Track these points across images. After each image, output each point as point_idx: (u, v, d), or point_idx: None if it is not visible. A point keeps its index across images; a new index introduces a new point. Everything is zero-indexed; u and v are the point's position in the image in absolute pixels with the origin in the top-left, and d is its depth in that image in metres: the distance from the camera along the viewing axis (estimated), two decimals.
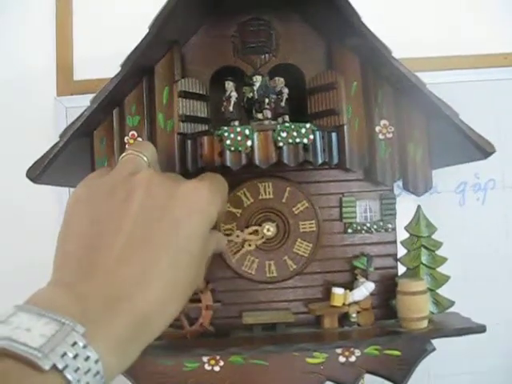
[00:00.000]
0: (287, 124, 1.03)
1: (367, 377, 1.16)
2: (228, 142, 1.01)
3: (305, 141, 1.02)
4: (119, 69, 1.07)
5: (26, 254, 1.55)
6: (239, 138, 1.01)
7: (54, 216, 1.55)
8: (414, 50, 1.50)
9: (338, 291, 1.12)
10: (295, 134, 1.02)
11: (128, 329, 0.57)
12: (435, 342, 1.14)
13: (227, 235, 1.14)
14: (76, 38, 1.62)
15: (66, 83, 1.59)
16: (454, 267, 1.17)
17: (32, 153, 1.08)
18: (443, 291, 1.18)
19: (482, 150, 1.08)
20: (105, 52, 1.54)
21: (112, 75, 1.07)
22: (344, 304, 1.13)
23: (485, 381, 1.55)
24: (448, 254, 1.18)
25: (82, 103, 1.11)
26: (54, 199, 1.54)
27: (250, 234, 1.16)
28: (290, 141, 1.01)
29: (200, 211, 0.70)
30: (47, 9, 1.61)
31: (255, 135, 1.02)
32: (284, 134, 1.01)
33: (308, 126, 1.03)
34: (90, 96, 1.09)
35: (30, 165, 1.08)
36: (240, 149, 1.01)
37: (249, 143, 1.01)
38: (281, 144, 1.01)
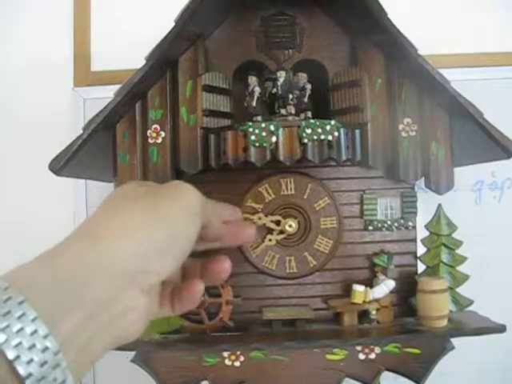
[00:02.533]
0: (312, 121, 1.03)
1: (384, 373, 1.16)
2: (253, 137, 1.01)
3: (329, 138, 1.02)
4: (138, 61, 1.06)
5: (40, 247, 1.55)
6: (264, 133, 1.01)
7: (70, 204, 1.55)
8: (438, 47, 1.49)
9: (358, 288, 1.12)
10: (320, 130, 1.01)
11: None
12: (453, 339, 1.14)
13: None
14: (94, 29, 1.61)
15: (84, 74, 1.59)
16: (471, 265, 1.18)
17: (50, 143, 1.07)
18: (461, 290, 1.18)
19: (506, 149, 1.08)
20: (122, 43, 1.54)
21: (130, 66, 1.07)
22: (364, 301, 1.13)
23: (496, 379, 1.55)
24: (464, 252, 1.19)
25: (100, 94, 1.12)
26: (69, 188, 1.53)
27: (272, 222, 1.16)
28: (315, 137, 1.01)
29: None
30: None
31: (280, 131, 1.02)
32: (309, 131, 1.01)
33: (333, 122, 1.03)
34: (108, 87, 1.09)
35: (49, 156, 1.07)
36: (265, 145, 1.01)
37: (273, 139, 1.01)
38: (305, 140, 1.01)
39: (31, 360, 0.42)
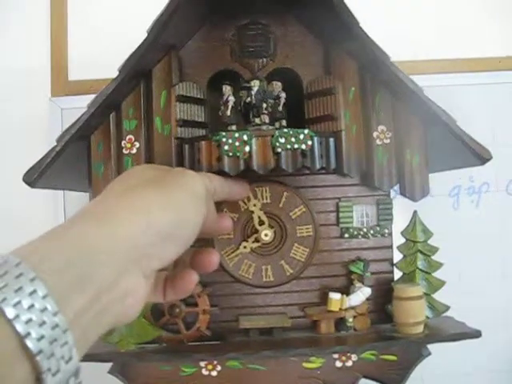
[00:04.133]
0: (285, 130, 1.03)
1: (362, 381, 1.16)
2: (226, 147, 1.01)
3: (303, 147, 1.02)
4: (115, 71, 1.06)
5: None
6: (237, 143, 1.01)
7: (49, 217, 1.54)
8: (411, 53, 1.50)
9: (334, 296, 1.13)
10: (293, 139, 1.02)
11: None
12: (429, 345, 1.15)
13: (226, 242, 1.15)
14: (70, 39, 1.61)
15: (61, 84, 1.58)
16: (449, 270, 1.18)
17: (27, 153, 1.07)
18: (438, 294, 1.19)
19: (479, 156, 1.08)
20: (100, 52, 1.54)
21: (107, 76, 1.07)
22: (341, 309, 1.13)
23: (476, 382, 1.56)
24: (442, 257, 1.19)
25: (77, 104, 1.12)
26: (47, 199, 1.53)
27: (254, 242, 1.16)
28: (289, 146, 1.01)
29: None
30: (42, 9, 1.60)
31: (253, 141, 1.02)
32: (282, 140, 1.01)
33: (306, 131, 1.03)
34: (85, 97, 1.09)
35: (26, 166, 1.07)
36: (238, 154, 1.01)
37: (247, 149, 1.01)
38: (279, 150, 1.01)
39: (42, 337, 0.42)
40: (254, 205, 1.15)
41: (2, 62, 1.59)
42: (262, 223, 1.15)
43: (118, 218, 0.55)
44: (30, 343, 0.41)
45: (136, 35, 1.04)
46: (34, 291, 0.42)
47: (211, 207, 0.73)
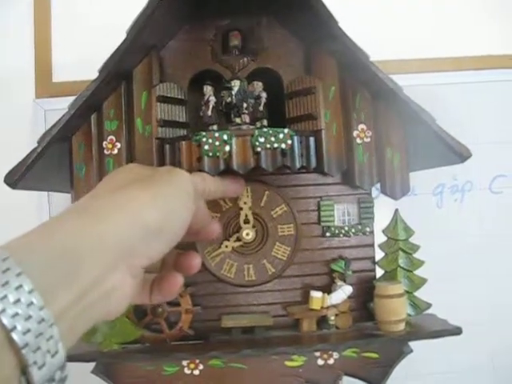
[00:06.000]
0: (265, 129, 1.03)
1: (345, 379, 1.17)
2: (206, 147, 1.01)
3: (283, 146, 1.02)
4: (97, 73, 1.07)
5: None
6: (217, 143, 1.01)
7: (32, 218, 1.54)
8: (400, 52, 1.51)
9: (316, 295, 1.13)
10: (273, 139, 1.02)
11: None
12: (412, 342, 1.15)
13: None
14: (54, 40, 1.61)
15: (45, 85, 1.58)
16: (432, 268, 1.19)
17: (10, 155, 1.07)
18: (420, 292, 1.19)
19: (459, 154, 1.09)
20: (84, 54, 1.54)
21: (91, 77, 1.07)
22: (322, 307, 1.14)
23: (461, 380, 1.57)
24: (425, 255, 1.20)
25: (61, 106, 1.11)
26: (31, 201, 1.53)
27: (235, 241, 1.17)
28: (268, 146, 1.02)
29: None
30: (25, 10, 1.60)
31: (233, 140, 1.02)
32: (262, 140, 1.02)
33: (286, 131, 1.03)
34: (69, 98, 1.08)
35: (8, 169, 1.07)
36: (218, 154, 1.01)
37: (227, 148, 1.01)
38: (259, 149, 1.02)
39: (28, 330, 0.42)
40: (245, 202, 1.16)
41: None
42: (246, 222, 1.16)
43: (106, 215, 0.55)
44: (15, 336, 0.41)
45: (121, 37, 1.05)
46: (20, 286, 0.43)
47: (201, 205, 0.74)
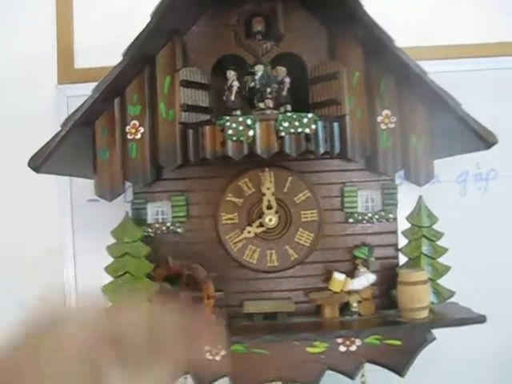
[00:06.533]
0: (289, 114, 1.03)
1: (367, 366, 1.16)
2: (230, 131, 1.01)
3: (307, 130, 1.02)
4: (121, 58, 1.07)
5: (25, 242, 1.56)
6: (241, 127, 1.01)
7: (54, 203, 1.55)
8: (415, 39, 1.49)
9: (338, 277, 1.13)
10: (297, 123, 1.01)
11: None
12: (434, 330, 1.15)
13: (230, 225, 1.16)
14: (77, 26, 1.61)
15: (67, 71, 1.58)
16: (455, 257, 1.18)
17: (33, 141, 1.07)
18: (443, 281, 1.19)
19: (485, 140, 1.08)
20: (106, 39, 1.53)
21: (114, 63, 1.07)
22: (342, 290, 1.13)
23: (480, 369, 1.55)
24: (449, 243, 1.19)
25: (83, 92, 1.11)
26: (54, 187, 1.53)
27: (258, 226, 1.17)
28: (292, 130, 1.01)
29: None
30: None
31: (257, 125, 1.02)
32: (286, 124, 1.01)
33: (310, 115, 1.03)
34: (92, 84, 1.08)
35: (32, 154, 1.07)
36: (242, 139, 1.01)
37: (251, 133, 1.01)
38: (283, 134, 1.01)
39: None
40: (268, 188, 1.15)
41: (9, 49, 1.59)
42: (269, 207, 1.15)
43: None
44: None
45: (143, 22, 1.04)
46: None
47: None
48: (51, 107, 1.55)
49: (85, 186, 1.38)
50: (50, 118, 1.49)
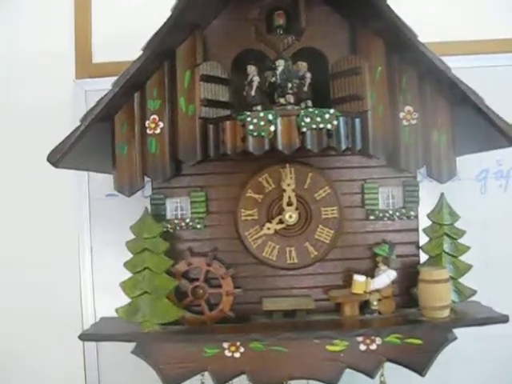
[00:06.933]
0: (311, 109, 1.02)
1: (387, 365, 1.15)
2: (251, 127, 1.00)
3: (329, 126, 1.01)
4: (140, 52, 1.06)
5: (43, 237, 1.56)
6: (262, 123, 1.00)
7: (72, 198, 1.55)
8: (436, 34, 1.47)
9: (359, 279, 1.12)
10: (319, 119, 1.00)
11: None
12: (456, 329, 1.13)
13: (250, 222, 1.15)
14: (95, 21, 1.61)
15: (85, 66, 1.58)
16: (475, 256, 1.16)
17: (51, 135, 1.07)
18: (464, 280, 1.17)
19: (508, 137, 1.06)
20: (124, 34, 1.54)
21: (131, 58, 1.07)
22: (365, 292, 1.12)
23: (503, 369, 1.54)
24: (469, 242, 1.17)
25: (101, 86, 1.11)
26: (72, 182, 1.53)
27: (278, 223, 1.15)
28: (314, 126, 1.00)
29: None
30: None
31: (278, 120, 1.01)
32: (308, 120, 1.00)
33: (332, 111, 1.02)
34: (109, 79, 1.08)
35: (50, 148, 1.07)
36: (263, 134, 1.00)
37: (272, 128, 1.00)
38: (304, 129, 1.00)
39: None
40: (288, 184, 1.14)
41: (27, 44, 1.60)
42: (290, 204, 1.14)
43: None
44: None
45: (161, 17, 1.03)
46: None
47: None
48: (69, 102, 1.55)
49: (103, 181, 1.38)
50: (68, 112, 1.50)
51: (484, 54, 1.57)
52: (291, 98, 1.09)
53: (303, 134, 1.01)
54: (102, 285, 1.54)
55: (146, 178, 1.15)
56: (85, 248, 1.55)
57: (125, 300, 1.10)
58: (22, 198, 1.58)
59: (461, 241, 1.18)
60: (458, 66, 1.11)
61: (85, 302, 1.56)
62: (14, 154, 1.58)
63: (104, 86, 1.09)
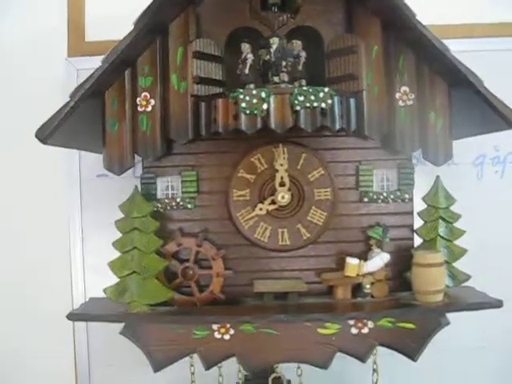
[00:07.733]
0: (305, 88, 1.00)
1: (379, 349, 1.14)
2: (243, 104, 0.98)
3: (323, 105, 0.99)
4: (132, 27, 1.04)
5: (33, 217, 1.55)
6: (255, 100, 0.98)
7: (62, 178, 1.54)
8: (435, 18, 1.45)
9: (352, 261, 1.10)
10: (313, 97, 0.98)
11: None
12: (448, 315, 1.12)
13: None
14: None
15: (78, 44, 1.56)
16: (470, 240, 1.15)
17: (42, 114, 1.05)
18: (459, 265, 1.16)
19: (507, 119, 1.04)
20: (117, 12, 1.50)
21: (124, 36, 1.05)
22: (358, 274, 1.10)
23: (495, 355, 1.54)
24: (464, 226, 1.16)
25: (94, 65, 1.09)
26: (63, 162, 1.52)
27: (270, 204, 1.14)
28: (308, 105, 0.98)
29: None
30: None
31: (271, 98, 0.98)
32: (301, 98, 0.98)
33: (326, 90, 1.00)
34: (101, 57, 1.06)
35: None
36: (255, 112, 0.98)
37: (265, 106, 0.98)
38: (298, 108, 0.98)
39: None
40: (281, 164, 1.12)
41: (19, 22, 1.57)
42: (282, 185, 1.12)
43: None
44: None
45: None
46: None
47: None
48: (61, 80, 1.53)
49: (94, 160, 1.37)
50: (60, 91, 1.47)
51: (484, 37, 1.55)
52: (285, 77, 1.07)
53: (297, 112, 0.98)
54: (93, 265, 1.52)
55: (137, 158, 1.14)
56: (76, 228, 1.53)
57: (115, 281, 1.09)
58: (12, 178, 1.56)
59: (456, 225, 1.16)
60: (458, 50, 1.09)
61: (75, 283, 1.54)
62: (4, 133, 1.56)
63: (96, 64, 1.07)
